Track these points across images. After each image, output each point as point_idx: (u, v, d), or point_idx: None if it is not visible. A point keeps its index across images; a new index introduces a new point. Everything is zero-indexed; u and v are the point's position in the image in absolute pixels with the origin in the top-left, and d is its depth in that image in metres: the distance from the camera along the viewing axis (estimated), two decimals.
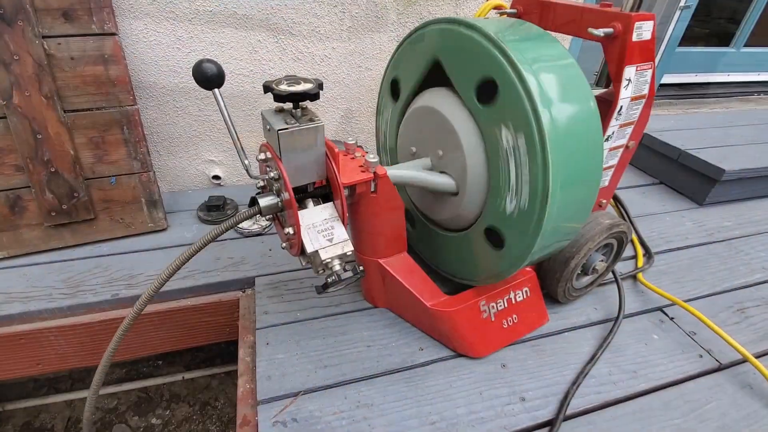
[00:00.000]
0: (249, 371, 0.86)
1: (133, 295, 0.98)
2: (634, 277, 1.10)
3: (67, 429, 1.50)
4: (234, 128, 0.65)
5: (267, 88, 0.60)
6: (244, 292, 1.05)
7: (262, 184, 0.75)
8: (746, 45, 2.04)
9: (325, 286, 0.64)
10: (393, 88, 0.93)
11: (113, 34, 0.99)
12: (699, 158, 1.40)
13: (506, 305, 0.88)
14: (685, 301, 0.99)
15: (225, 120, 0.64)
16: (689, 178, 1.46)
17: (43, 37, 0.94)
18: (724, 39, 2.07)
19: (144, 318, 1.00)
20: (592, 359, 0.86)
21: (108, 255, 1.10)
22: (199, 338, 1.08)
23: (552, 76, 0.63)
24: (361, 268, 0.67)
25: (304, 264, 0.70)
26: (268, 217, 0.77)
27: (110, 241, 1.14)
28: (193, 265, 1.06)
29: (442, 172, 0.80)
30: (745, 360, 0.88)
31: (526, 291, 0.90)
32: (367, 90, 1.39)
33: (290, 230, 0.65)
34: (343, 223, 0.68)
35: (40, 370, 1.02)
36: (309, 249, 0.64)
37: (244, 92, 1.29)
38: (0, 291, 0.98)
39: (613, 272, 1.01)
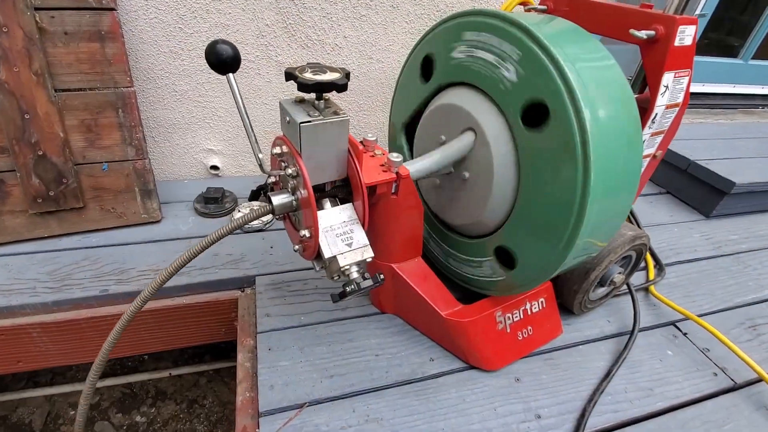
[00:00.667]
0: (249, 378, 0.81)
1: (124, 292, 0.92)
2: (646, 290, 1.07)
3: (46, 425, 1.42)
4: (248, 118, 0.59)
5: (290, 75, 0.54)
6: (243, 291, 0.99)
7: (273, 180, 0.70)
8: (754, 57, 2.03)
9: (343, 295, 0.59)
10: (425, 65, 0.83)
11: (112, 9, 0.92)
12: (709, 170, 1.39)
13: (522, 316, 0.84)
14: (698, 316, 0.97)
15: (239, 108, 0.58)
16: (697, 190, 1.44)
17: (35, 8, 0.86)
18: (731, 50, 2.06)
19: (135, 316, 0.93)
20: (608, 375, 0.83)
21: (97, 247, 1.03)
22: (194, 338, 1.02)
23: (595, 76, 0.59)
24: (382, 276, 0.62)
25: (318, 269, 0.65)
26: (279, 216, 0.72)
27: (100, 232, 1.07)
28: (192, 262, 1.00)
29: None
30: (760, 380, 0.86)
31: (542, 302, 0.87)
32: (376, 83, 1.33)
33: (306, 233, 0.60)
34: (363, 226, 0.63)
35: (20, 368, 0.95)
36: (327, 254, 0.59)
37: (248, 79, 1.22)
38: None
39: (628, 285, 0.99)
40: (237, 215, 1.15)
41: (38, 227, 1.02)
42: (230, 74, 0.58)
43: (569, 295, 0.89)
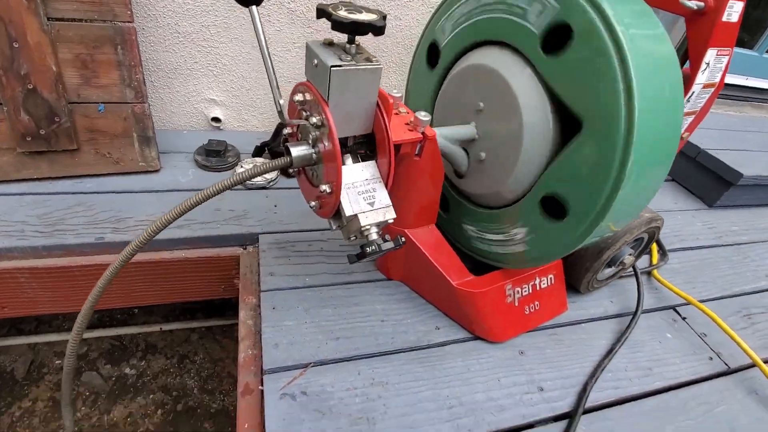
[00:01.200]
0: (251, 336, 0.79)
1: (122, 241, 0.88)
2: (648, 273, 1.08)
3: (29, 373, 1.40)
4: (270, 58, 0.54)
5: (322, 12, 0.49)
6: (245, 248, 0.96)
7: (289, 131, 0.65)
8: None
9: (362, 256, 0.57)
10: (430, 53, 0.83)
11: None
12: (718, 159, 1.38)
13: (531, 291, 0.83)
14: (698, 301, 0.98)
15: (261, 47, 0.53)
16: (704, 178, 1.44)
17: None
18: (745, 43, 2.02)
19: (131, 267, 0.90)
20: (610, 353, 0.84)
21: (92, 193, 0.98)
22: (191, 293, 1.00)
23: (641, 33, 0.55)
24: (403, 239, 0.59)
25: (334, 227, 0.62)
26: (293, 170, 0.68)
27: (95, 178, 1.01)
28: (191, 215, 0.95)
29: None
30: (752, 365, 0.88)
31: (551, 278, 0.86)
32: (393, 42, 1.27)
33: (327, 188, 0.56)
34: (386, 186, 0.59)
35: (5, 314, 0.91)
36: (348, 212, 0.56)
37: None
38: None
39: (634, 267, 0.98)
40: (242, 168, 1.10)
41: (27, 167, 0.95)
42: (254, 6, 0.53)
43: (579, 273, 0.89)
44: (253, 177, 0.58)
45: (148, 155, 1.04)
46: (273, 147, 1.15)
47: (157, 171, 1.07)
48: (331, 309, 0.82)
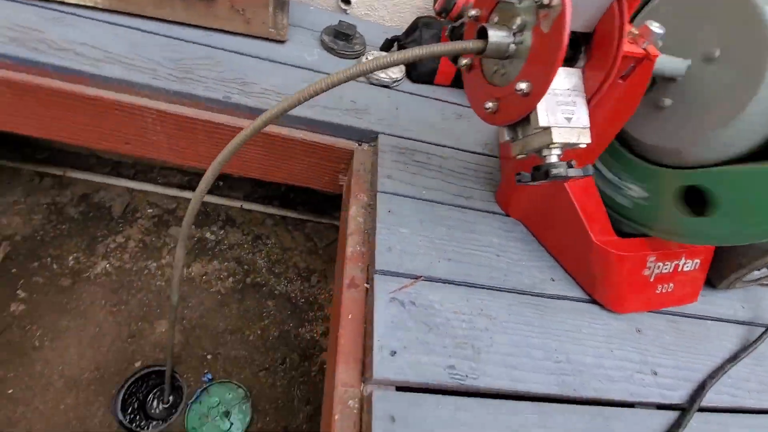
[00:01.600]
0: (360, 233, 0.76)
1: (246, 105, 0.84)
2: None
3: (124, 213, 1.51)
4: None
5: None
6: (360, 144, 0.91)
7: (475, 13, 0.55)
8: None
9: (540, 177, 0.49)
10: None
11: None
12: None
13: (671, 270, 0.73)
14: None
15: None
16: None
17: None
18: None
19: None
20: (735, 358, 0.75)
21: (220, 49, 0.93)
22: (294, 177, 0.97)
23: None
24: (592, 170, 0.50)
25: (507, 138, 0.54)
26: (464, 61, 0.58)
27: (224, 34, 0.97)
28: (317, 96, 0.90)
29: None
30: None
31: (696, 263, 0.75)
32: None
33: (525, 86, 0.47)
34: (589, 102, 0.49)
35: (127, 150, 0.94)
36: (542, 122, 0.47)
37: None
38: (98, 46, 0.84)
39: None
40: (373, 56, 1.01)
41: (164, 6, 0.91)
42: None
43: (728, 267, 0.77)
44: (422, 59, 0.49)
45: (279, 22, 0.97)
46: (405, 43, 1.04)
47: (283, 42, 1.00)
48: (445, 228, 0.77)
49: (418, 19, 1.03)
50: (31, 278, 1.29)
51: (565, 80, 0.49)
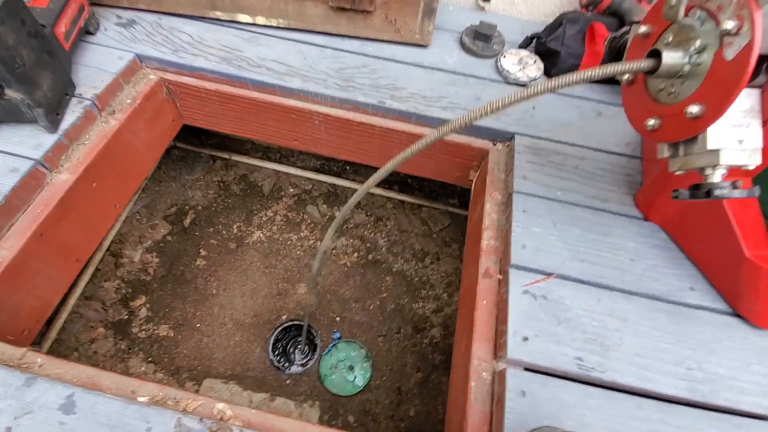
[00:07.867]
0: (494, 228, 0.85)
1: (397, 109, 0.97)
2: None
3: (272, 192, 1.79)
4: None
5: None
6: (495, 144, 0.98)
7: (646, 30, 0.57)
8: None
9: (702, 195, 0.51)
10: None
11: None
12: None
13: None
14: None
15: None
16: None
17: None
18: None
19: (394, 133, 1.00)
20: None
21: (373, 57, 1.07)
22: (427, 170, 1.09)
23: None
24: (759, 191, 0.51)
25: (666, 154, 0.57)
26: (627, 77, 0.62)
27: (376, 42, 1.10)
28: (456, 98, 0.99)
29: None
30: None
31: None
32: None
33: (697, 110, 0.49)
34: (765, 124, 0.50)
35: (294, 146, 1.14)
36: (711, 144, 0.49)
37: None
38: (283, 62, 1.03)
39: None
40: (505, 60, 1.05)
41: (330, 21, 1.07)
42: None
43: None
44: (594, 80, 0.54)
45: (425, 28, 1.06)
46: (547, 40, 1.06)
47: (426, 46, 1.10)
48: (579, 230, 0.81)
49: (563, 15, 1.04)
50: (209, 240, 1.63)
51: (744, 102, 0.51)
